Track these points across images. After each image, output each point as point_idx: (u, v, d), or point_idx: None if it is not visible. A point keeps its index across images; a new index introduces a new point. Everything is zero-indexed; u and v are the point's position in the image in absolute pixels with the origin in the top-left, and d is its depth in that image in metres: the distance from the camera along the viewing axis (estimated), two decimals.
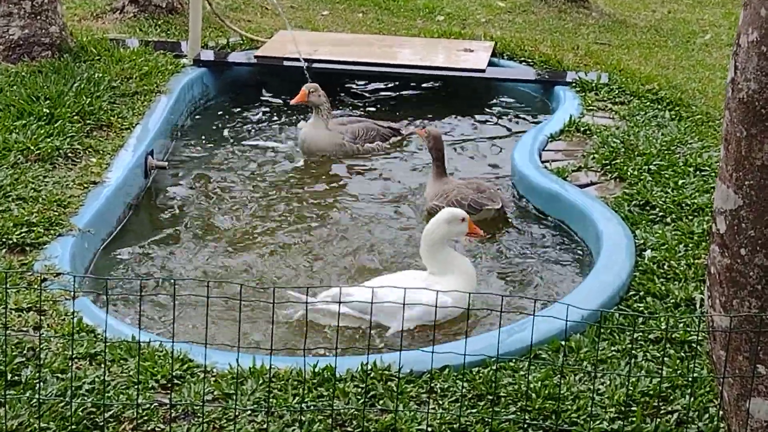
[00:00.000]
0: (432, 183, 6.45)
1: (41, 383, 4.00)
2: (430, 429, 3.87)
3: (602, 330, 4.58)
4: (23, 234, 5.26)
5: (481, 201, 6.23)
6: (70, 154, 6.30)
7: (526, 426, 3.91)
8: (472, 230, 5.28)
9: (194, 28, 8.38)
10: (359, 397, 4.05)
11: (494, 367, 4.19)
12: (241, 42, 9.07)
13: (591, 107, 7.71)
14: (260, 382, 4.10)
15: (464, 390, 4.12)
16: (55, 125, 6.56)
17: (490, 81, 8.59)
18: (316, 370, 4.17)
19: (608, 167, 6.50)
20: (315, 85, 7.25)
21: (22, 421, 3.80)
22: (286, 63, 8.45)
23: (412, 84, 8.74)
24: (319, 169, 7.16)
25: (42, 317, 4.53)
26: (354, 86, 8.81)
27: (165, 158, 7.05)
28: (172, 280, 5.26)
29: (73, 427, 3.77)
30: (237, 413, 3.91)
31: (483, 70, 8.44)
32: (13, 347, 4.23)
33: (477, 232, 5.33)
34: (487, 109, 8.45)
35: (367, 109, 8.39)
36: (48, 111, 6.72)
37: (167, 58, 8.22)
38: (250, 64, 8.60)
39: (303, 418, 3.89)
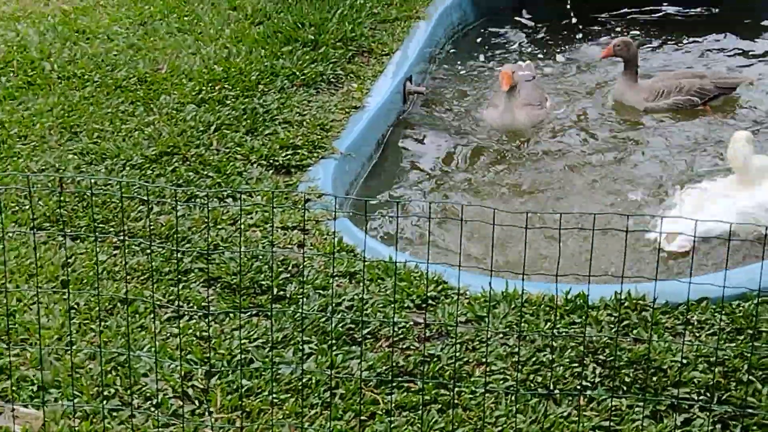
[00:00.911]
0: (632, 85, 6.75)
1: (304, 299, 4.20)
2: (685, 361, 3.79)
3: None
4: (288, 156, 5.49)
5: (726, 81, 6.73)
6: (332, 80, 6.50)
7: None
8: None
9: None
10: (612, 325, 4.02)
11: (756, 301, 4.05)
12: None
13: None
14: (512, 306, 4.14)
15: (722, 323, 4.01)
16: (319, 51, 6.76)
17: None
18: (569, 297, 4.17)
19: None
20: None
21: (287, 334, 4.01)
22: None
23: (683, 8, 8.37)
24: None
25: (305, 236, 4.74)
26: (618, 7, 8.52)
27: (423, 84, 7.14)
28: (428, 202, 5.36)
29: (333, 341, 3.94)
30: (489, 335, 3.97)
31: None
32: (279, 264, 4.46)
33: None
34: (758, 29, 7.99)
35: (632, 30, 8.13)
36: (312, 37, 6.93)
37: None
38: None
39: (555, 344, 3.90)
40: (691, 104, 6.74)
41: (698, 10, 8.32)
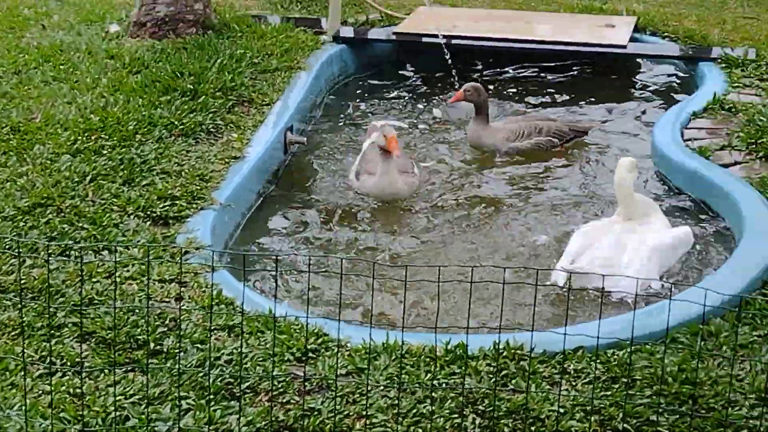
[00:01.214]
0: (484, 127, 6.87)
1: (182, 353, 4.12)
2: (562, 410, 3.84)
3: (743, 314, 4.46)
4: (166, 207, 5.42)
5: (577, 126, 7.01)
6: (212, 130, 6.45)
7: (661, 410, 3.84)
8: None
9: (334, 4, 8.45)
10: (491, 375, 4.04)
11: (630, 350, 4.13)
12: (381, 18, 9.11)
13: (737, 84, 7.48)
14: (393, 357, 4.14)
15: (598, 372, 4.08)
16: (199, 101, 6.72)
17: (632, 57, 8.41)
18: (449, 347, 4.18)
19: (754, 146, 6.30)
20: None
21: (163, 390, 3.93)
22: (425, 40, 8.44)
23: (551, 61, 8.62)
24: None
25: (183, 289, 4.67)
26: (493, 63, 8.73)
27: (304, 134, 7.14)
28: (307, 256, 5.34)
29: (211, 396, 3.87)
30: (370, 388, 3.96)
31: (624, 46, 8.27)
32: (156, 317, 4.37)
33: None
34: (629, 86, 8.29)
35: (506, 87, 8.32)
36: (191, 87, 6.88)
37: (307, 34, 8.31)
38: (389, 41, 8.63)
39: (435, 395, 3.91)
40: (552, 145, 6.96)
41: (573, 71, 8.56)
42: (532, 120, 7.11)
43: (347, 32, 8.62)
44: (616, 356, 4.17)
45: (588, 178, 6.66)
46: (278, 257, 4.04)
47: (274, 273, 5.13)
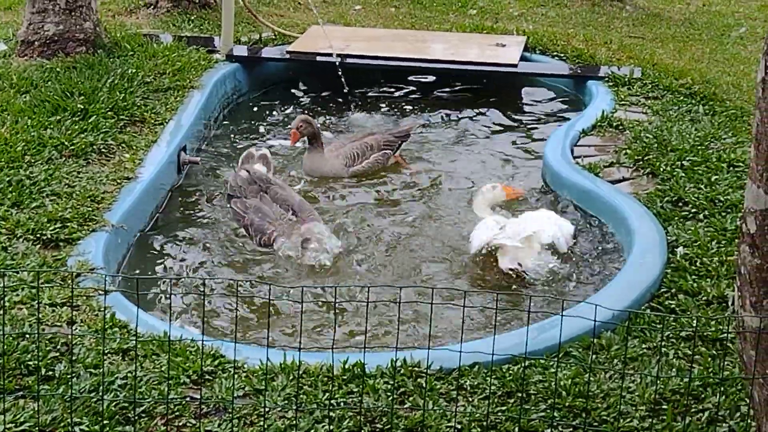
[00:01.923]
0: (321, 156, 6.84)
1: (74, 378, 4.05)
2: (459, 426, 3.87)
3: (633, 327, 4.56)
4: (57, 229, 5.32)
5: (400, 131, 7.14)
6: (103, 150, 6.36)
7: (555, 424, 3.91)
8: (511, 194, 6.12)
9: (227, 23, 8.42)
10: (389, 393, 4.06)
11: (524, 365, 4.19)
12: (274, 37, 9.11)
13: (624, 102, 7.67)
14: (290, 378, 4.13)
15: (494, 387, 4.13)
16: (89, 121, 6.62)
17: (523, 76, 8.57)
18: (346, 366, 4.19)
19: (641, 163, 6.47)
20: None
21: (56, 416, 3.85)
22: (318, 59, 8.47)
23: (443, 79, 8.73)
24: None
25: (75, 313, 4.58)
26: (386, 81, 8.81)
27: (197, 154, 7.09)
28: (202, 279, 5.30)
29: (105, 422, 3.81)
30: (267, 409, 3.94)
31: (515, 65, 8.41)
32: (47, 342, 4.28)
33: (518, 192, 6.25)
34: (519, 105, 8.43)
35: (400, 105, 8.39)
36: (82, 106, 6.78)
37: (200, 53, 8.27)
38: (282, 60, 8.63)
39: (333, 415, 3.91)
40: (387, 157, 7.05)
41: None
42: (359, 140, 7.08)
43: (240, 51, 8.59)
44: (511, 371, 4.23)
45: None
46: (176, 279, 3.99)
47: (168, 295, 5.07)
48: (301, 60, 8.58)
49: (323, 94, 8.43)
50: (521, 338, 4.18)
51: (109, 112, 6.80)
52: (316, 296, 5.26)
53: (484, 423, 3.91)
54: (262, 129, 7.79)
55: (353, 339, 4.91)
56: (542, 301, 5.20)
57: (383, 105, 8.33)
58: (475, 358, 4.20)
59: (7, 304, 4.57)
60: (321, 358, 4.25)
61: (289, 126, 7.19)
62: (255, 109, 8.21)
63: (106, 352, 4.26)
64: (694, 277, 5.09)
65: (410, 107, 8.33)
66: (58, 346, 4.28)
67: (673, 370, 4.29)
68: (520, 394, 4.07)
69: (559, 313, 3.74)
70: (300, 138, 6.87)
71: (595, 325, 3.84)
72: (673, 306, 4.86)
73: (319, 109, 8.19)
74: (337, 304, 5.05)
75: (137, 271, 5.50)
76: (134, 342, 4.28)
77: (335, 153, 6.95)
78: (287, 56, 8.59)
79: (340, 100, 8.28)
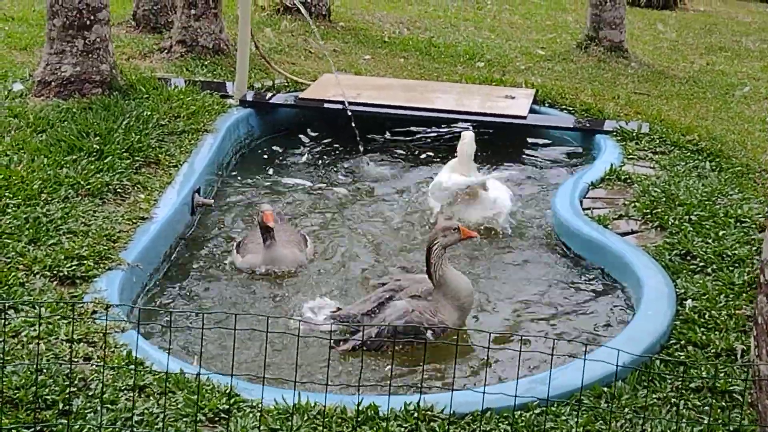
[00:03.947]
0: (274, 248, 6.12)
1: (92, 413, 4.08)
2: None
3: (643, 378, 4.61)
4: (74, 267, 5.37)
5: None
6: (119, 190, 6.43)
7: None
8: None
9: (241, 69, 8.54)
10: None
11: (537, 411, 4.23)
12: (286, 84, 9.22)
13: (632, 156, 7.77)
14: (306, 418, 4.16)
15: None
16: (105, 161, 6.69)
17: (532, 128, 8.67)
18: (360, 408, 4.23)
19: (649, 216, 6.54)
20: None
21: None
22: (328, 105, 8.57)
23: (451, 130, 8.83)
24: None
25: (91, 349, 4.62)
26: (395, 131, 8.91)
27: (211, 196, 7.16)
28: (221, 313, 5.34)
29: None
30: None
31: (524, 117, 8.52)
32: (64, 377, 4.32)
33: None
34: (528, 156, 8.52)
35: (412, 153, 8.47)
36: (98, 147, 6.86)
37: (214, 98, 8.37)
38: (294, 106, 8.73)
39: None
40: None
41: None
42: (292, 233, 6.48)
43: (253, 96, 8.70)
44: (523, 417, 4.27)
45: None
46: (201, 315, 4.04)
47: (185, 330, 5.11)
48: (312, 107, 8.68)
49: (333, 140, 8.52)
50: (534, 384, 4.23)
51: (125, 153, 6.87)
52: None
53: None
54: (271, 172, 7.86)
55: (375, 378, 4.93)
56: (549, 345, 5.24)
57: (395, 153, 8.41)
58: (489, 403, 4.23)
59: (24, 339, 4.61)
60: (336, 399, 4.29)
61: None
62: (266, 153, 8.28)
63: (122, 388, 4.30)
64: (702, 329, 5.14)
65: (419, 155, 8.41)
66: (76, 382, 4.32)
67: (684, 420, 4.33)
68: None
69: (569, 358, 3.78)
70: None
71: (617, 371, 3.88)
72: (682, 358, 4.91)
73: (328, 154, 8.26)
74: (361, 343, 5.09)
75: (158, 307, 5.54)
76: (151, 379, 4.32)
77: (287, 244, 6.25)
78: (299, 102, 8.68)
79: (349, 147, 8.35)
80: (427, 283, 5.40)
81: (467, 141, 7.05)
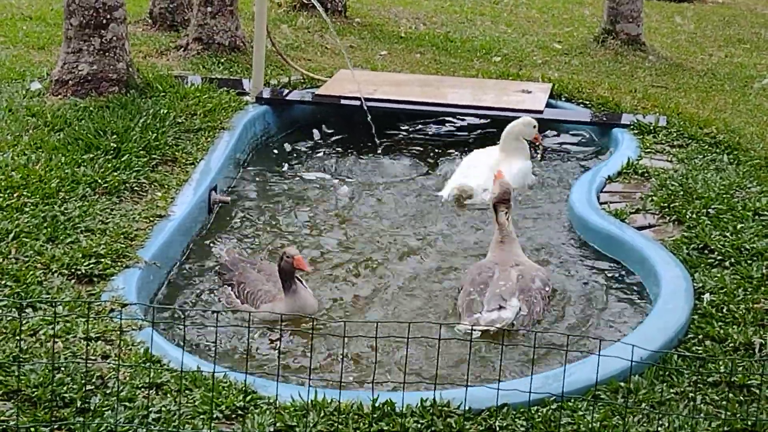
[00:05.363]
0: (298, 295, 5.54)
1: (110, 411, 4.10)
2: None
3: (660, 372, 4.59)
4: (91, 265, 5.39)
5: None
6: (136, 188, 6.45)
7: None
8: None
9: (257, 66, 8.55)
10: None
11: (553, 407, 4.23)
12: (302, 81, 9.22)
13: (649, 150, 7.74)
14: (322, 415, 4.17)
15: (522, 429, 4.16)
16: (122, 159, 6.72)
17: (548, 122, 8.65)
18: (377, 404, 4.23)
19: (666, 210, 6.52)
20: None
21: None
22: (345, 102, 8.57)
23: (468, 124, 8.82)
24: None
25: (109, 347, 4.64)
26: (411, 126, 8.90)
27: (228, 193, 7.18)
28: (245, 311, 5.35)
29: None
30: None
31: (541, 111, 8.50)
32: (82, 375, 4.34)
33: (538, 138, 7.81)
34: (544, 150, 8.50)
35: (427, 149, 8.47)
36: (115, 145, 6.88)
37: (230, 95, 8.38)
38: (311, 103, 8.74)
39: None
40: None
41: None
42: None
43: (270, 93, 8.71)
44: (540, 413, 4.26)
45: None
46: (217, 313, 4.05)
47: (202, 328, 5.13)
48: (328, 103, 8.68)
49: (349, 136, 8.52)
50: (550, 380, 4.22)
51: (142, 151, 6.90)
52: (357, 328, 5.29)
53: None
54: (287, 169, 7.87)
55: (386, 374, 4.94)
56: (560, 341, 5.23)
57: (411, 148, 8.41)
58: (506, 398, 4.22)
59: (43, 337, 4.64)
60: (353, 395, 4.30)
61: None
62: (283, 150, 8.28)
63: (140, 386, 4.32)
64: (720, 323, 5.13)
65: (436, 150, 8.40)
66: (93, 380, 4.34)
67: (702, 414, 4.32)
68: None
69: (585, 354, 3.78)
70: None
71: (632, 366, 3.87)
72: (700, 352, 4.90)
73: (345, 150, 8.27)
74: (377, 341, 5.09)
75: (175, 305, 5.56)
76: (168, 376, 4.34)
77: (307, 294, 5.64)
78: (315, 99, 8.69)
79: (366, 143, 8.35)
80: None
81: (521, 121, 7.72)
